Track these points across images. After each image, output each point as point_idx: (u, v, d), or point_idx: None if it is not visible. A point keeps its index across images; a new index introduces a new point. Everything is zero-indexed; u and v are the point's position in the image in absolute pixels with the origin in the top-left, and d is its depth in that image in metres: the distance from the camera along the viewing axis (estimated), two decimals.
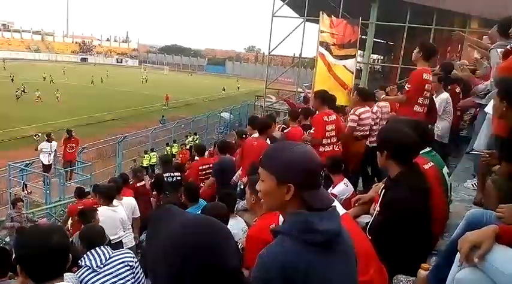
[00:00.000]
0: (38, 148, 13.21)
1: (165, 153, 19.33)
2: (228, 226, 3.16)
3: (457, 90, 6.31)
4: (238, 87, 58.62)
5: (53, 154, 13.35)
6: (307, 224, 1.38)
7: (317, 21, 13.47)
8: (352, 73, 12.40)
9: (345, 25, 13.16)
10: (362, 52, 20.68)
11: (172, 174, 7.14)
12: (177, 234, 1.03)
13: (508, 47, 4.20)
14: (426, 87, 4.89)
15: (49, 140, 13.24)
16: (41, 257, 1.79)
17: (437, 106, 5.42)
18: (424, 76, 4.84)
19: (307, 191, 1.45)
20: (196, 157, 8.75)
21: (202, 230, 1.06)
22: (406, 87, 4.97)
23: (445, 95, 5.52)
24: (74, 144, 13.76)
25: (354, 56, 12.73)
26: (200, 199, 4.94)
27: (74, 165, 13.86)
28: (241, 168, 6.11)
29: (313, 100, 6.05)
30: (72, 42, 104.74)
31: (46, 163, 13.06)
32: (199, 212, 3.72)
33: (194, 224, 1.08)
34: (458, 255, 1.94)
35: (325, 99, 5.79)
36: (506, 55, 4.11)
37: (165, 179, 7.13)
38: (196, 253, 0.99)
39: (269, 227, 2.72)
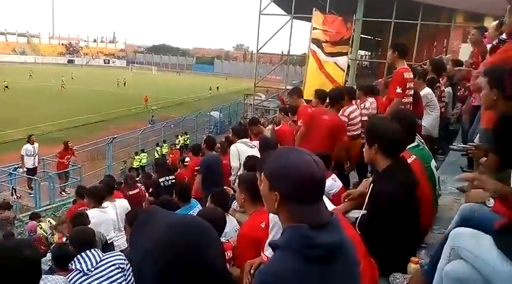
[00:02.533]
0: (22, 153, 13.06)
1: (155, 153, 19.25)
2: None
3: (439, 83, 6.38)
4: (218, 87, 54.51)
5: (36, 157, 13.25)
6: (306, 239, 1.31)
7: (305, 19, 13.51)
8: (343, 70, 12.39)
9: (339, 22, 13.12)
10: (350, 48, 20.80)
11: (167, 178, 7.11)
12: (164, 234, 1.02)
13: (494, 42, 4.28)
14: (408, 85, 5.03)
15: (31, 142, 13.12)
16: (12, 271, 1.73)
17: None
18: (405, 75, 4.98)
19: (294, 204, 1.37)
20: (187, 158, 8.73)
21: (189, 230, 1.05)
22: (396, 91, 5.04)
23: (427, 90, 5.59)
24: (70, 156, 13.69)
25: (346, 53, 12.71)
26: (192, 200, 4.94)
27: (67, 173, 13.76)
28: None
29: (289, 98, 6.06)
30: (59, 43, 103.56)
31: (31, 166, 12.96)
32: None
33: (182, 224, 1.08)
34: (445, 248, 1.97)
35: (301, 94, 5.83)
36: (493, 50, 4.18)
37: (162, 184, 7.08)
38: (183, 252, 0.99)
39: (259, 225, 2.75)
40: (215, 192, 4.05)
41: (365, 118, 6.04)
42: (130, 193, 7.24)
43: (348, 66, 19.37)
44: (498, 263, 1.71)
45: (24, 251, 1.77)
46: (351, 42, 12.89)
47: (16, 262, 1.74)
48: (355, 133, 6.05)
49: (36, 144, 13.26)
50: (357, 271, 1.54)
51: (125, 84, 53.79)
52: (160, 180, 7.15)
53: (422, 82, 5.69)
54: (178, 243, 1.00)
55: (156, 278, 0.98)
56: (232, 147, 5.90)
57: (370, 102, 6.37)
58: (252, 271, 2.37)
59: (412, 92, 5.12)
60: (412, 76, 5.17)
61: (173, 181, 7.10)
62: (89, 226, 4.29)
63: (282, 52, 26.38)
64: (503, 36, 4.19)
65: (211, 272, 1.01)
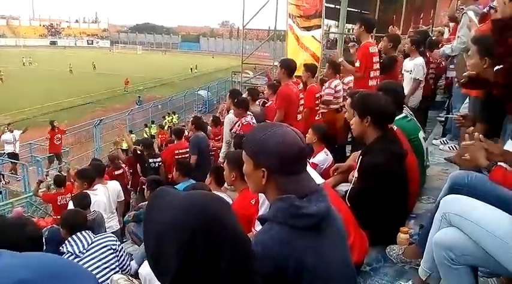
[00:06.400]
0: (1, 139, 13.00)
1: (144, 134, 19.11)
2: None
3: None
4: (192, 69, 49.91)
5: (17, 143, 13.24)
6: (293, 209, 1.33)
7: None
8: (320, 43, 12.61)
9: None
10: (336, 22, 20.61)
11: (155, 160, 7.05)
12: (183, 210, 1.00)
13: (485, 10, 4.24)
14: (374, 59, 5.05)
15: (10, 130, 13.06)
16: (14, 247, 1.73)
17: (414, 71, 5.39)
18: (370, 49, 5.00)
19: (282, 177, 1.39)
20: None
21: (208, 200, 1.05)
22: (356, 64, 5.10)
23: (420, 60, 5.42)
24: (60, 135, 13.59)
25: (319, 27, 12.85)
26: (190, 178, 4.96)
27: (59, 155, 13.66)
28: None
29: (278, 71, 5.85)
30: (40, 25, 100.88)
31: (11, 151, 12.98)
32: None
33: (200, 196, 1.07)
34: (436, 216, 1.98)
35: (291, 69, 5.57)
36: (483, 19, 4.14)
37: (150, 164, 7.03)
38: (206, 226, 0.97)
39: (249, 202, 2.76)
40: (216, 167, 4.03)
41: (345, 93, 6.02)
42: (115, 173, 7.21)
43: (335, 41, 19.29)
44: (494, 226, 1.71)
45: (26, 227, 1.77)
46: (323, 14, 12.94)
47: (19, 238, 1.73)
48: (339, 106, 6.09)
49: (16, 132, 13.20)
50: (345, 240, 1.56)
51: (94, 67, 47.32)
52: (149, 160, 7.09)
53: (415, 50, 5.47)
54: (203, 212, 0.99)
55: (182, 249, 0.96)
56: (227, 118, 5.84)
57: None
58: None
59: (378, 65, 5.14)
60: (377, 50, 5.21)
61: (159, 163, 7.04)
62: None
63: (269, 27, 26.02)
64: (495, 3, 4.15)
65: (234, 242, 1.01)
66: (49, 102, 27.75)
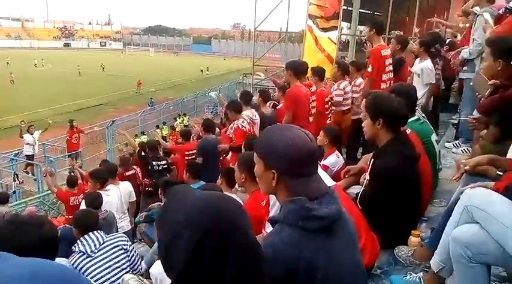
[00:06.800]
0: (23, 137, 13.15)
1: (156, 136, 19.22)
2: None
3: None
4: (202, 70, 49.97)
5: (36, 145, 13.39)
6: (304, 211, 1.33)
7: None
8: (336, 44, 12.51)
9: None
10: (349, 24, 20.47)
11: (159, 163, 7.08)
12: (198, 210, 1.01)
13: (500, 11, 4.20)
14: (387, 62, 5.01)
15: (30, 132, 13.22)
16: (35, 247, 1.74)
17: (423, 75, 5.35)
18: (382, 53, 4.96)
19: (292, 179, 1.40)
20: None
21: (222, 201, 1.06)
22: (368, 69, 5.07)
23: (428, 62, 5.37)
24: (77, 134, 13.87)
25: (336, 28, 12.76)
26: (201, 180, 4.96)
27: (78, 154, 13.85)
28: None
29: (285, 73, 5.80)
30: (54, 27, 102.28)
31: (29, 154, 13.13)
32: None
33: (215, 197, 1.09)
34: (456, 209, 1.94)
35: (298, 71, 5.42)
36: (499, 20, 4.10)
37: (154, 167, 7.05)
38: (219, 227, 0.98)
39: (260, 203, 2.76)
40: (227, 169, 4.04)
41: (356, 95, 5.98)
42: (126, 174, 7.23)
43: (348, 42, 19.21)
44: None
45: (42, 226, 1.79)
46: (341, 16, 12.82)
47: (36, 237, 1.75)
48: (347, 108, 6.07)
49: (36, 133, 13.34)
50: (356, 242, 1.56)
51: (103, 69, 47.87)
52: (153, 162, 7.10)
53: (423, 52, 5.46)
54: (216, 213, 1.01)
55: (192, 248, 0.97)
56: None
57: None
58: None
59: (391, 68, 5.11)
60: (389, 52, 5.16)
61: (164, 166, 7.05)
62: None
63: (281, 29, 25.98)
64: (511, 4, 4.11)
65: (245, 240, 1.01)
66: (58, 104, 28.00)
